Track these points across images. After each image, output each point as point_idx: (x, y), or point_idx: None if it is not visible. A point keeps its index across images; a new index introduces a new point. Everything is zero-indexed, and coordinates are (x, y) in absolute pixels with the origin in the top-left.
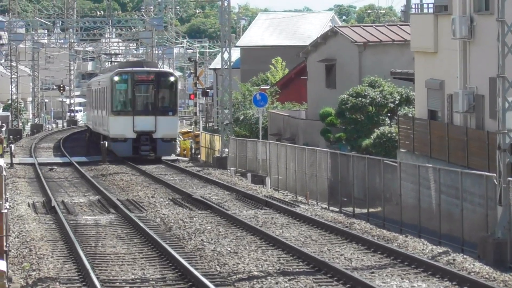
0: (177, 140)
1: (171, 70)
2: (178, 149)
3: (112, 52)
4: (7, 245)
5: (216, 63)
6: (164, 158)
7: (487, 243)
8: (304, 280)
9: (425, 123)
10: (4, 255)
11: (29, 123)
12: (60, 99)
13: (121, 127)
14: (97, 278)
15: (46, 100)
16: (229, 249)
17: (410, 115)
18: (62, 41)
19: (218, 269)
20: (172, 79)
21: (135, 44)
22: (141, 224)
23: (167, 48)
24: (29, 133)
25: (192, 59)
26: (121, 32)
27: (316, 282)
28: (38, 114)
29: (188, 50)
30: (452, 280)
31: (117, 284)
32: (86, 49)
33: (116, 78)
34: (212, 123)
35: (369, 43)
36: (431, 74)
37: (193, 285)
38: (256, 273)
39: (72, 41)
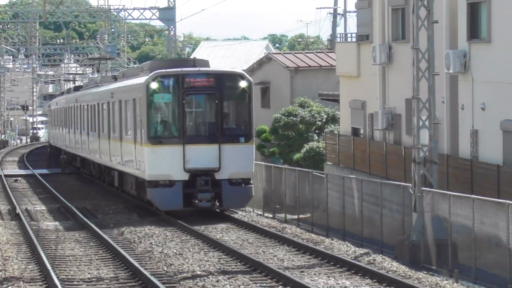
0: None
1: (240, 71)
2: None
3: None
4: None
5: None
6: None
7: (403, 245)
8: (241, 278)
9: (349, 139)
10: None
11: None
12: (24, 117)
13: (164, 163)
14: (57, 277)
15: (11, 119)
16: (175, 251)
17: (335, 132)
18: (25, 66)
19: (165, 269)
20: (243, 84)
21: (91, 68)
22: (97, 229)
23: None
24: None
25: None
26: (78, 58)
27: (252, 280)
28: (4, 131)
29: None
30: (372, 278)
31: (75, 282)
32: (47, 73)
33: (154, 85)
34: None
35: (299, 68)
36: (354, 95)
37: (143, 283)
38: (199, 272)
39: (35, 66)
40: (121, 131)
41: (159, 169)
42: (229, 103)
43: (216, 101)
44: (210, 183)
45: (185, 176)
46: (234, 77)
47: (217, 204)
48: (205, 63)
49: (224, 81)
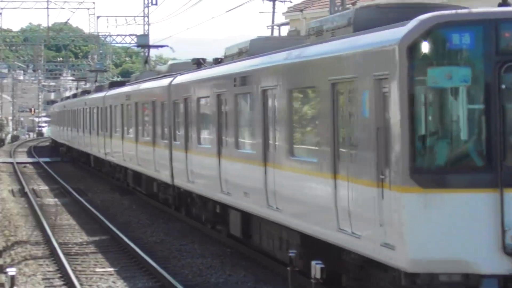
0: None
1: None
2: None
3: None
4: None
5: None
6: None
7: None
8: (198, 242)
9: None
10: None
11: (9, 135)
12: (32, 118)
13: (452, 233)
14: (56, 241)
15: (22, 119)
16: (148, 221)
17: None
18: (33, 78)
19: (141, 235)
20: None
21: (83, 81)
22: (88, 205)
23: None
24: (10, 142)
25: None
26: (74, 72)
27: (208, 243)
28: (16, 128)
29: None
30: None
31: (70, 245)
32: (50, 84)
33: (426, 47)
34: None
35: None
36: None
37: (123, 246)
38: (165, 238)
39: (40, 78)
40: (265, 147)
41: (440, 246)
42: None
43: None
44: None
45: (507, 266)
46: None
47: None
48: None
49: None
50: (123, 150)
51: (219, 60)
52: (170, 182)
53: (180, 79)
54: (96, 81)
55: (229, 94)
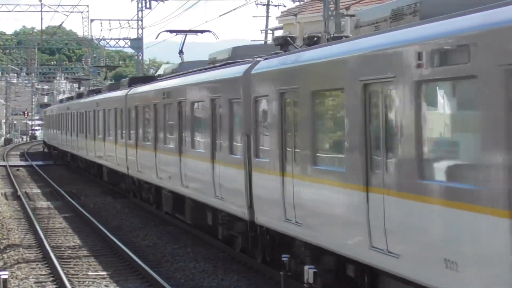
0: None
1: None
2: None
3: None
4: None
5: None
6: None
7: None
8: (191, 246)
9: None
10: None
11: (2, 138)
12: (25, 121)
13: None
14: (49, 244)
15: (15, 122)
16: (140, 225)
17: None
18: (26, 81)
19: (133, 239)
20: None
21: (77, 84)
22: (80, 208)
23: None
24: (3, 145)
25: None
26: (67, 76)
27: (201, 247)
28: (9, 131)
29: None
30: None
31: (62, 249)
32: (43, 87)
33: None
34: None
35: None
36: None
37: (115, 250)
38: (158, 241)
39: (34, 81)
40: None
41: None
42: None
43: None
44: None
45: None
46: None
47: None
48: None
49: None
50: (157, 164)
51: (315, 38)
52: (246, 217)
53: (267, 64)
54: (105, 78)
55: (399, 84)
